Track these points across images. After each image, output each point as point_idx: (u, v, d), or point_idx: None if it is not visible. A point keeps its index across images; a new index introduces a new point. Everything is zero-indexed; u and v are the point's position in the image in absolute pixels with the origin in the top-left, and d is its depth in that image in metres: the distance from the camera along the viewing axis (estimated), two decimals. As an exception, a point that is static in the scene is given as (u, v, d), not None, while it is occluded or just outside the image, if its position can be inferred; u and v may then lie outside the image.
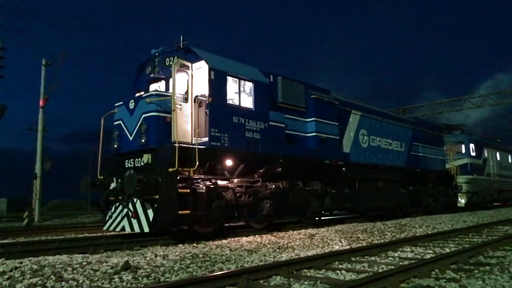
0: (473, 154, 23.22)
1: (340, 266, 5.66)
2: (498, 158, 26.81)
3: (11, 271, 5.21)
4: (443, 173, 19.46)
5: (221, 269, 5.45)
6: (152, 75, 10.46)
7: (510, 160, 29.08)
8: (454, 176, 20.48)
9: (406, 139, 16.60)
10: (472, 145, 23.40)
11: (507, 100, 30.93)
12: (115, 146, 9.56)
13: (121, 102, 9.62)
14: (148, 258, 6.30)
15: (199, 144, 8.62)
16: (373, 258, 6.42)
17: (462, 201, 22.13)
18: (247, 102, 10.03)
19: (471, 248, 6.74)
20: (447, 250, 7.14)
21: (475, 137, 25.23)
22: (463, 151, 22.97)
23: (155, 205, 8.06)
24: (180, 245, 8.10)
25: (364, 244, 8.01)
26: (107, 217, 9.10)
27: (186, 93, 9.50)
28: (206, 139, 8.94)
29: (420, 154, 17.49)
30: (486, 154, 24.95)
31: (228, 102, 9.52)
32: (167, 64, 10.04)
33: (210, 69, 9.17)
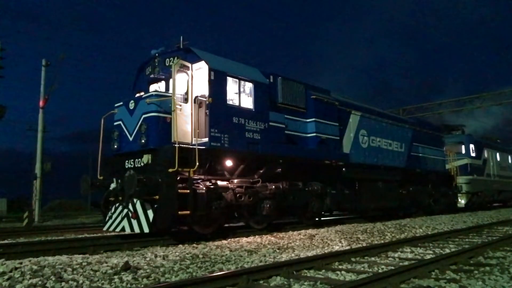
0: (473, 154, 23.22)
1: (340, 267, 5.66)
2: (498, 158, 26.81)
3: (11, 271, 5.21)
4: (443, 174, 19.46)
5: (221, 270, 5.45)
6: (152, 76, 10.46)
7: (510, 161, 29.08)
8: (454, 176, 20.48)
9: (406, 139, 16.60)
10: (472, 146, 23.40)
11: (507, 100, 30.97)
12: (115, 146, 9.56)
13: (121, 103, 9.61)
14: (148, 259, 6.30)
15: (199, 144, 8.62)
16: (373, 258, 6.42)
17: (462, 201, 22.14)
18: (247, 102, 10.03)
19: (471, 249, 6.74)
20: (447, 250, 7.14)
21: (475, 137, 25.23)
22: (463, 151, 22.97)
23: (155, 206, 8.06)
24: (180, 245, 8.10)
25: (364, 244, 8.01)
26: (107, 218, 9.10)
27: (186, 93, 9.50)
28: (206, 139, 8.94)
29: (420, 155, 17.48)
30: (486, 155, 24.95)
31: (228, 102, 9.52)
32: (167, 64, 10.04)
33: (210, 70, 9.17)
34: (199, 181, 8.75)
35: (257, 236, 9.42)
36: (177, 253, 6.85)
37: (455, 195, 20.55)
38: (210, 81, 9.13)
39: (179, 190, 8.11)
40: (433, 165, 18.37)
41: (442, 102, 34.22)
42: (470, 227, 11.46)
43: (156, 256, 6.53)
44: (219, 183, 9.21)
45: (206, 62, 9.27)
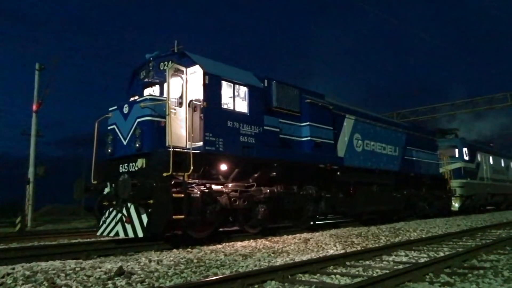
0: (466, 158, 23.37)
1: (334, 271, 5.66)
2: (491, 162, 27.00)
3: (3, 277, 5.17)
4: (437, 177, 19.55)
5: (215, 274, 5.43)
6: (146, 80, 10.44)
7: (503, 164, 29.30)
8: (447, 180, 20.60)
9: (400, 143, 16.67)
10: (465, 149, 23.55)
11: (498, 104, 31.22)
12: (109, 150, 9.52)
13: (115, 107, 9.59)
14: (142, 264, 6.26)
15: (193, 148, 8.61)
16: (367, 262, 6.43)
17: (456, 205, 22.24)
18: (242, 106, 10.04)
19: (465, 252, 6.78)
20: (441, 254, 7.16)
21: (468, 141, 25.40)
22: (457, 155, 23.11)
23: (149, 210, 8.03)
24: (175, 250, 8.07)
25: (359, 248, 8.02)
26: (101, 222, 9.04)
27: (181, 97, 9.49)
28: (201, 143, 8.93)
29: (414, 158, 17.57)
30: (479, 158, 25.12)
31: (222, 106, 9.52)
32: (161, 68, 10.03)
33: (204, 74, 9.17)
34: (193, 185, 8.74)
35: (251, 240, 9.41)
36: (171, 258, 6.82)
37: (449, 199, 20.65)
38: (204, 85, 9.13)
39: (173, 195, 8.08)
40: (427, 168, 18.46)
41: (435, 106, 34.40)
42: (464, 230, 11.51)
43: (150, 261, 6.49)
44: (214, 187, 9.20)
45: (201, 66, 9.28)
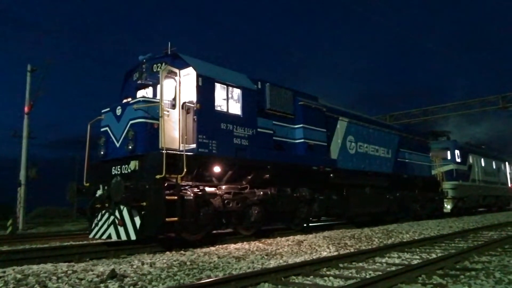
0: (458, 160, 23.54)
1: (328, 273, 5.67)
2: (483, 164, 27.22)
3: (-7, 280, 5.11)
4: (429, 179, 19.67)
5: (209, 277, 5.42)
6: (139, 82, 10.40)
7: (494, 166, 29.55)
8: (440, 182, 20.73)
9: (393, 145, 16.76)
10: (457, 152, 23.73)
11: (490, 107, 31.51)
12: (102, 152, 9.46)
13: (108, 109, 9.54)
14: (135, 266, 6.23)
15: (187, 150, 8.59)
16: (360, 264, 6.45)
17: (448, 206, 22.38)
18: (235, 108, 10.04)
19: (457, 254, 6.83)
20: (434, 255, 7.20)
21: (460, 143, 25.60)
22: (449, 157, 23.28)
23: (142, 212, 7.99)
24: (168, 252, 8.04)
25: (352, 250, 8.04)
26: (93, 225, 8.98)
27: (174, 99, 9.48)
28: (194, 145, 8.92)
29: (407, 161, 17.66)
30: (471, 160, 25.31)
31: (216, 108, 9.52)
32: (154, 70, 10.01)
33: (198, 76, 9.16)
34: (187, 187, 8.71)
35: (245, 243, 9.40)
36: (164, 260, 6.80)
37: (441, 201, 20.79)
38: (198, 87, 9.12)
39: (166, 197, 8.06)
40: (419, 170, 18.57)
41: (428, 108, 34.62)
42: (456, 232, 11.59)
43: (143, 264, 6.46)
44: (207, 189, 9.18)
45: (194, 68, 9.27)
